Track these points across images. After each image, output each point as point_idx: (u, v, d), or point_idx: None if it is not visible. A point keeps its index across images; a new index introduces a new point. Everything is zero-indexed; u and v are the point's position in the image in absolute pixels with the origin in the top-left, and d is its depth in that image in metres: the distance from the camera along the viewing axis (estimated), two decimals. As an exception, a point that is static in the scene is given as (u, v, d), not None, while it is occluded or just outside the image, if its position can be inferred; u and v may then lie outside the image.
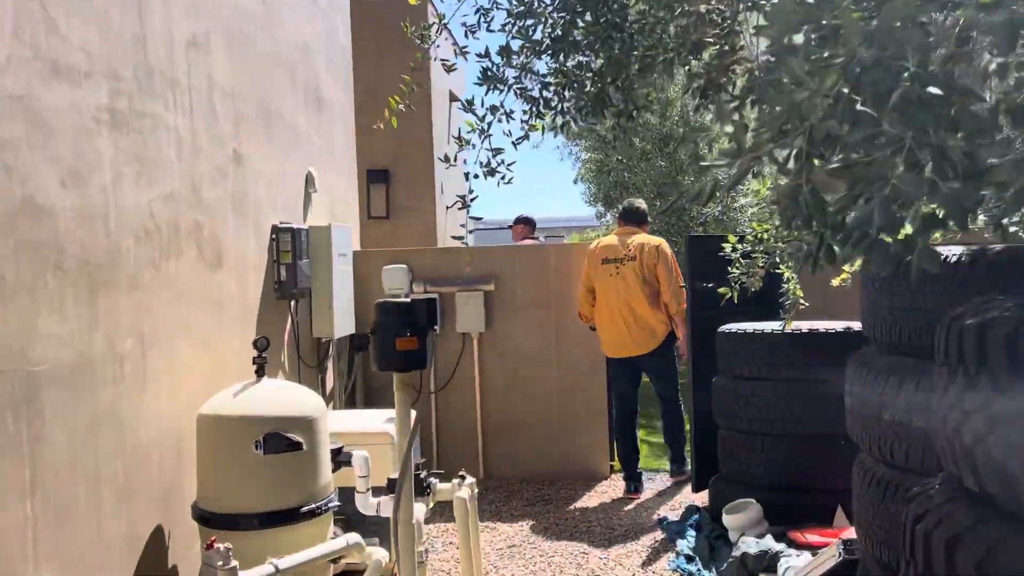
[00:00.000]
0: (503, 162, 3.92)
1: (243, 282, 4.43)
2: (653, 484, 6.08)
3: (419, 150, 9.79)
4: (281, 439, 3.52)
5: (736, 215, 8.94)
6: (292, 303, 5.08)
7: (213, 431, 3.53)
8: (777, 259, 4.15)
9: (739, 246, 4.43)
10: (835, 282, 4.94)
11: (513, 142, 3.93)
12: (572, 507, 5.59)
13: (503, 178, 4.02)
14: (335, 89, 6.11)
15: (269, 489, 3.50)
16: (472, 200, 3.85)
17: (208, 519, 3.49)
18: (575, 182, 12.15)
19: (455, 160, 4.01)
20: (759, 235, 4.07)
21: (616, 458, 6.21)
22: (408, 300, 3.63)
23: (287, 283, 4.85)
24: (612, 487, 6.00)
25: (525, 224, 7.61)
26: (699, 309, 5.54)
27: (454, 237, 3.76)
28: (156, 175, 3.55)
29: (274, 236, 4.84)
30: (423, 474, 4.10)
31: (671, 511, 5.47)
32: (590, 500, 5.73)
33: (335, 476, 3.99)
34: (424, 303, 3.60)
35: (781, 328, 4.66)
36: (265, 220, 4.76)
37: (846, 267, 4.74)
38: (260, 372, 3.70)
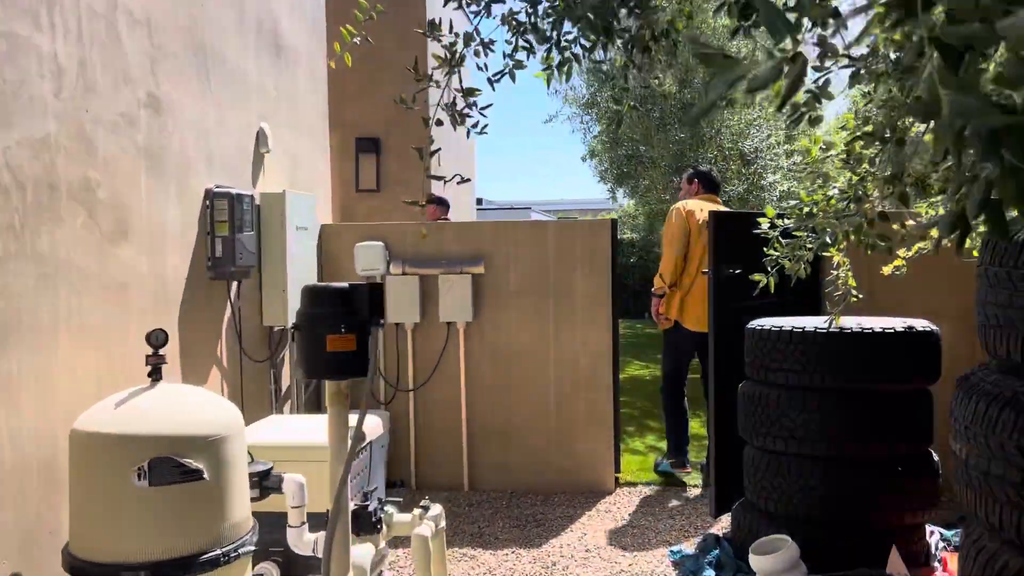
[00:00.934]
0: (475, 104, 3.04)
1: (159, 258, 3.57)
2: (662, 500, 5.21)
3: (413, 117, 8.88)
4: (172, 466, 2.66)
5: (763, 194, 8.01)
6: (234, 285, 4.22)
7: (86, 453, 2.67)
8: (828, 239, 3.24)
9: (780, 223, 3.53)
10: (886, 270, 4.06)
11: (490, 79, 3.05)
12: (569, 529, 4.73)
13: (475, 126, 3.15)
14: (299, 34, 5.21)
15: (158, 531, 2.65)
16: (434, 153, 2.97)
17: (81, 570, 2.65)
18: (583, 159, 11.23)
19: (413, 101, 3.11)
20: (812, 207, 3.16)
21: (619, 468, 5.37)
22: (345, 286, 2.75)
23: (223, 260, 3.99)
24: (616, 504, 5.14)
25: (438, 205, 6.73)
26: (723, 300, 4.65)
27: (407, 202, 2.87)
28: (15, 115, 2.68)
29: (208, 202, 3.98)
30: (373, 505, 3.24)
31: (684, 537, 4.61)
32: (591, 521, 4.87)
33: (271, 501, 3.16)
34: (366, 289, 2.74)
35: (827, 326, 3.76)
36: (196, 182, 3.89)
37: (902, 250, 3.85)
38: (156, 375, 2.84)
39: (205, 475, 2.71)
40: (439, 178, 2.88)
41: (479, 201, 20.04)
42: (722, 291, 4.64)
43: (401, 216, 8.22)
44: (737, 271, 4.65)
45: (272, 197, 4.50)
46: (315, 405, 5.35)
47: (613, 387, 5.37)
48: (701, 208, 5.42)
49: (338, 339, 2.65)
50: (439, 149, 2.87)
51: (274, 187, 4.62)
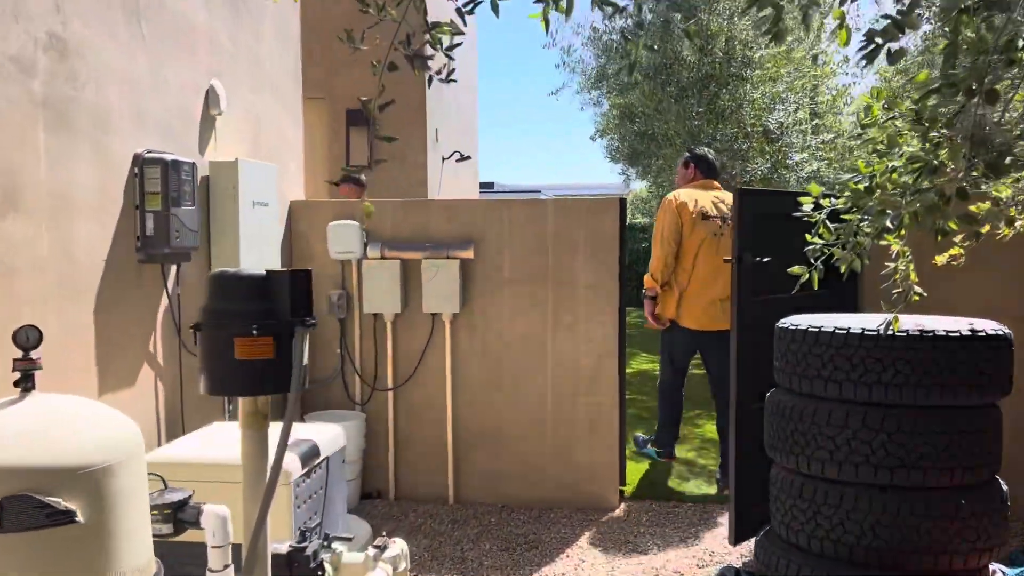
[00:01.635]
0: (439, 44, 2.41)
1: (64, 236, 2.93)
2: (673, 519, 4.57)
3: (408, 87, 8.21)
4: (33, 507, 2.04)
5: (788, 174, 7.31)
6: (172, 269, 3.58)
7: (-75, 487, 2.06)
8: (890, 223, 2.57)
9: (826, 202, 2.86)
10: (940, 259, 3.42)
11: (459, 8, 2.43)
12: (565, 555, 4.10)
13: (439, 73, 2.53)
14: (264, -19, 4.55)
15: (19, 589, 2.03)
16: (385, 106, 2.32)
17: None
18: (592, 138, 10.51)
19: (362, 40, 2.48)
20: (870, 181, 2.48)
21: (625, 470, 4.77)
22: (261, 273, 2.11)
23: (156, 240, 3.36)
24: (621, 523, 4.50)
25: (354, 184, 6.05)
26: (748, 293, 3.98)
27: (346, 168, 2.20)
28: None
29: (136, 170, 3.33)
30: (314, 545, 2.61)
31: (698, 567, 3.98)
32: (591, 544, 4.23)
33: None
34: (287, 278, 2.09)
35: (883, 328, 3.10)
36: (120, 144, 3.25)
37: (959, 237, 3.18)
38: (25, 384, 2.21)
39: (79, 516, 2.08)
40: (389, 138, 2.23)
41: (490, 185, 19.32)
42: (747, 283, 3.97)
43: (395, 196, 7.59)
44: (765, 260, 3.98)
45: (222, 167, 3.86)
46: (278, 408, 4.72)
47: (619, 390, 4.72)
48: (696, 199, 4.91)
49: (249, 343, 2.00)
50: (392, 102, 2.20)
51: (229, 156, 3.97)
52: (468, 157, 9.00)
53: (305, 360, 2.17)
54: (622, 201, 4.73)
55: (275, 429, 2.18)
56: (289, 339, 2.06)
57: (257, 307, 2.05)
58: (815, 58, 7.64)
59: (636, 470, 5.37)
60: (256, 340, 2.03)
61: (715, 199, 4.94)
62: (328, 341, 4.87)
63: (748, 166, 7.26)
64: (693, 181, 5.06)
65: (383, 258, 4.70)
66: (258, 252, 4.06)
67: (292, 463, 3.03)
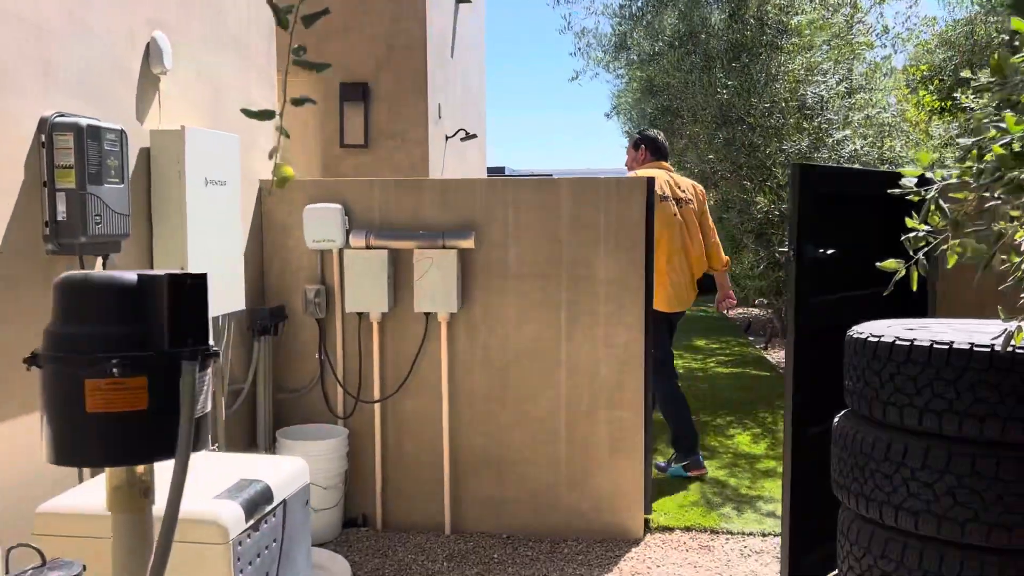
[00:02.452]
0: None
1: (-71, 221, 2.24)
2: (710, 553, 3.88)
3: (409, 57, 7.48)
4: None
5: (826, 153, 6.55)
6: (97, 262, 2.89)
7: None
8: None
9: (938, 175, 2.13)
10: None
11: None
12: (581, 604, 3.42)
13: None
14: (225, -83, 3.82)
15: None
16: (315, 17, 1.57)
17: None
18: (608, 115, 9.74)
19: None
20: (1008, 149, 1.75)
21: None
22: (130, 279, 1.40)
23: (69, 226, 2.66)
24: (647, 560, 3.81)
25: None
26: (808, 294, 3.26)
27: (275, 158, 1.47)
28: None
29: (44, 138, 2.63)
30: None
31: (744, 623, 3.28)
32: (611, 592, 3.55)
33: None
34: (167, 285, 1.39)
35: (1003, 342, 2.38)
36: (18, 104, 2.55)
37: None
38: None
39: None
40: (310, 65, 1.52)
41: (500, 171, 18.56)
42: (807, 280, 3.25)
43: (393, 177, 6.89)
44: (828, 252, 3.26)
45: (165, 137, 3.16)
46: (247, 423, 4.04)
47: (645, 404, 4.02)
48: (667, 179, 4.82)
49: (108, 388, 1.31)
50: (325, 11, 1.47)
51: (172, 123, 3.27)
52: (474, 136, 8.27)
53: (207, 407, 1.48)
54: (650, 181, 4.00)
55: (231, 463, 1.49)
56: (171, 378, 1.37)
57: (120, 331, 1.35)
58: (850, 26, 6.87)
59: (663, 495, 4.66)
60: (119, 383, 1.33)
61: (670, 181, 4.84)
62: (305, 344, 4.18)
63: (783, 144, 6.50)
64: (644, 163, 4.96)
65: (368, 247, 3.99)
66: (213, 241, 3.36)
67: (232, 514, 2.34)
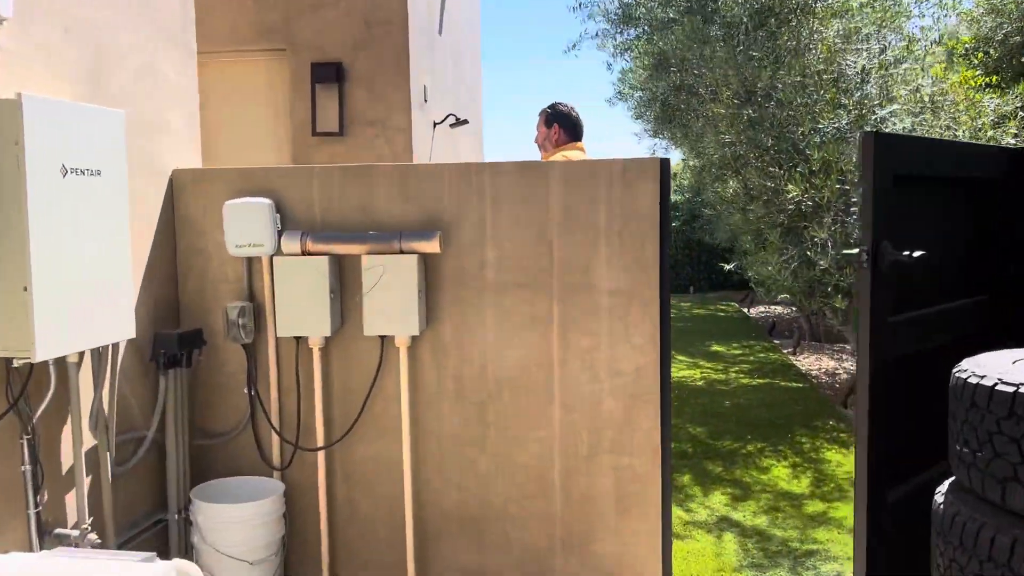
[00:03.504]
0: None
1: None
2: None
3: (388, 34, 6.61)
4: None
5: (859, 134, 5.61)
6: None
7: None
8: None
9: None
10: None
11: None
12: None
13: None
14: None
15: None
16: None
17: None
18: (611, 101, 8.78)
19: None
20: None
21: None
22: None
23: None
24: (667, 658, 2.94)
25: None
26: (886, 311, 2.37)
27: None
28: None
29: None
30: None
31: None
32: None
33: None
34: None
35: None
36: None
37: None
38: None
39: None
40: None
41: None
42: (885, 293, 2.36)
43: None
44: (917, 255, 2.36)
45: (-4, 108, 2.30)
46: (152, 481, 3.19)
47: (663, 446, 3.14)
48: (572, 159, 3.86)
49: None
50: None
51: (20, 92, 2.40)
52: (465, 121, 7.40)
53: None
54: (664, 163, 3.12)
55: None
56: None
57: None
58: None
59: (685, 552, 3.79)
60: None
61: None
62: (231, 377, 3.33)
63: (819, 123, 5.58)
64: (558, 144, 4.17)
65: (305, 253, 3.13)
66: (77, 250, 2.51)
67: None
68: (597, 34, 6.75)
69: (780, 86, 5.88)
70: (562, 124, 4.19)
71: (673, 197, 15.57)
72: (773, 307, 12.24)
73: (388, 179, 3.20)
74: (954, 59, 6.94)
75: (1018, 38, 7.43)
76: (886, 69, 5.81)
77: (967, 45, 7.61)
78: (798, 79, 5.90)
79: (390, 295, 3.08)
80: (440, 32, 7.64)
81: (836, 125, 5.68)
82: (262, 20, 6.74)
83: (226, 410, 3.34)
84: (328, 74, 6.64)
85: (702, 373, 7.40)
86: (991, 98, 6.33)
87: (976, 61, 7.69)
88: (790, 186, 5.81)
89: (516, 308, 3.16)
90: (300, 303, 3.12)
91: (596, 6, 6.93)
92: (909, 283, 2.40)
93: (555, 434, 3.18)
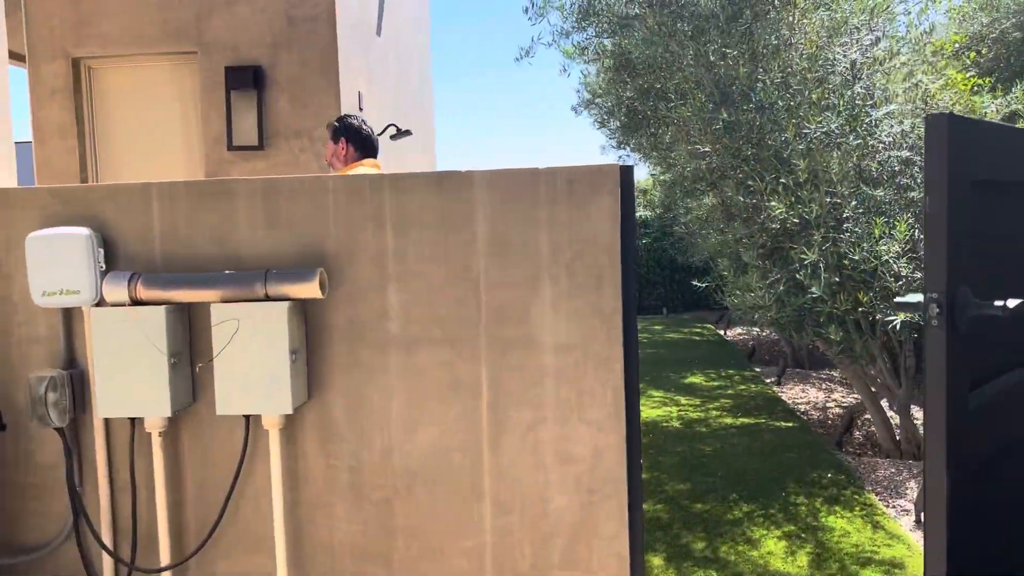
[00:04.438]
0: None
1: None
2: None
3: (313, 32, 5.78)
4: None
5: (867, 139, 4.90)
6: None
7: None
8: None
9: None
10: None
11: None
12: None
13: None
14: None
15: None
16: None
17: None
18: (575, 110, 8.00)
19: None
20: None
21: None
22: None
23: None
24: None
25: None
26: (967, 384, 1.56)
27: None
28: None
29: None
30: None
31: None
32: None
33: None
34: None
35: None
36: None
37: None
38: None
39: None
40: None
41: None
42: (964, 360, 1.55)
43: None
44: (1016, 305, 1.55)
45: None
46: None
47: (631, 558, 2.31)
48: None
49: None
50: None
51: None
52: (408, 132, 6.57)
53: None
54: (626, 172, 2.30)
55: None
56: None
57: None
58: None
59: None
60: None
61: None
62: (48, 471, 2.44)
63: (804, 128, 4.83)
64: (348, 161, 3.67)
65: (137, 302, 2.27)
66: None
67: None
68: (552, 34, 5.97)
69: (760, 85, 5.13)
70: (351, 139, 3.70)
71: (643, 212, 14.81)
72: (751, 328, 11.51)
73: (250, 198, 2.35)
74: (943, 59, 6.22)
75: (1018, 34, 6.79)
76: (880, 64, 5.08)
77: (957, 44, 6.94)
78: (780, 77, 5.15)
79: (250, 359, 2.22)
80: (379, 33, 6.83)
81: (824, 129, 4.93)
82: (168, 18, 5.88)
83: (39, 517, 2.45)
84: (244, 79, 5.79)
85: (679, 411, 6.59)
86: (992, 99, 5.65)
87: (968, 62, 7.02)
88: (773, 201, 5.05)
89: (431, 372, 2.32)
90: (129, 371, 2.26)
91: (551, 3, 6.15)
92: (1001, 341, 1.61)
93: (486, 543, 2.34)
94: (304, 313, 2.32)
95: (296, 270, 2.25)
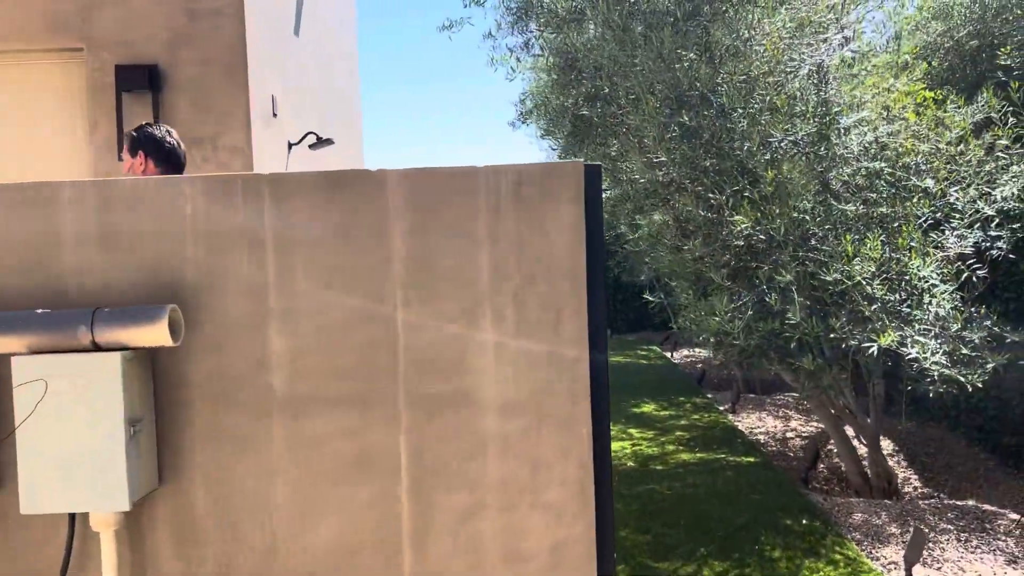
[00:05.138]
0: None
1: None
2: None
3: (218, 28, 5.10)
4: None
5: (835, 143, 4.46)
6: None
7: None
8: None
9: None
10: None
11: None
12: None
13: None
14: None
15: None
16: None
17: None
18: (512, 124, 7.40)
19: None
20: None
21: None
22: None
23: None
24: None
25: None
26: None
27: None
28: None
29: None
30: None
31: None
32: None
33: None
34: None
35: None
36: None
37: None
38: None
39: None
40: None
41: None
42: None
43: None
44: None
45: None
46: None
47: None
48: None
49: None
50: None
51: None
52: (329, 141, 5.93)
53: None
54: (592, 173, 1.73)
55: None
56: None
57: None
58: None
59: None
60: None
61: None
62: None
63: (771, 135, 4.36)
64: (146, 175, 2.94)
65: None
66: None
67: None
68: (490, 32, 5.42)
69: (721, 88, 4.65)
70: (150, 152, 2.96)
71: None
72: (699, 349, 11.10)
73: (80, 208, 1.70)
74: (894, 71, 5.83)
75: (975, 42, 6.51)
76: (849, 67, 4.66)
77: (908, 56, 6.59)
78: (741, 79, 4.68)
79: (70, 433, 1.57)
80: (297, 32, 6.18)
81: (792, 137, 4.47)
82: (51, 10, 5.14)
83: None
84: (138, 79, 5.08)
85: (632, 447, 6.05)
86: (958, 107, 5.27)
87: (918, 74, 6.67)
88: (737, 216, 4.56)
89: (330, 444, 1.70)
90: None
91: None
92: None
93: (408, 677, 1.71)
94: (151, 366, 1.67)
95: (138, 307, 1.60)
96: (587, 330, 1.69)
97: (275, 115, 5.56)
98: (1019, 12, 6.27)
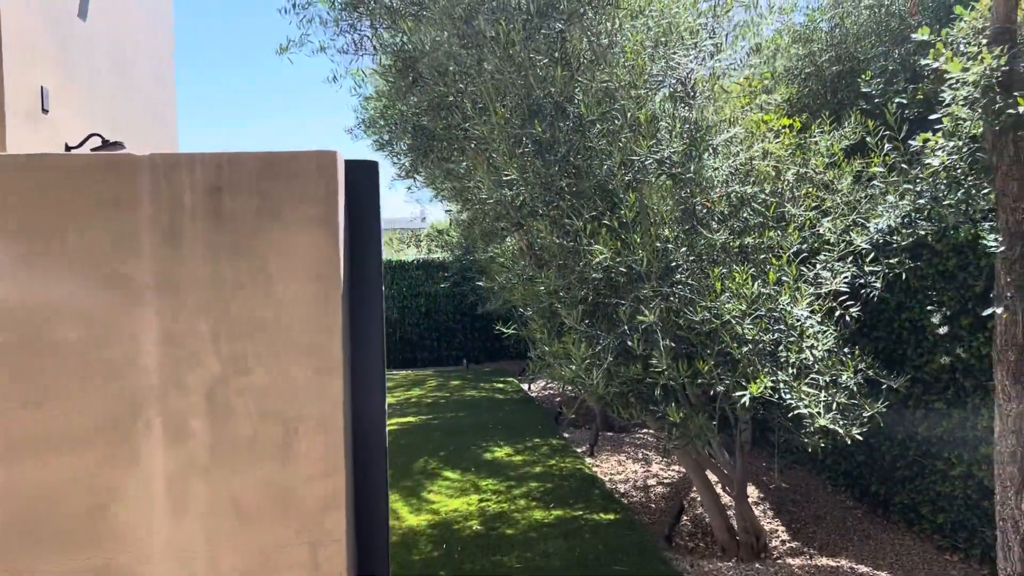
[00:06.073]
0: None
1: None
2: None
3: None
4: None
5: (711, 159, 3.97)
6: None
7: None
8: None
9: None
10: None
11: None
12: None
13: None
14: None
15: None
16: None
17: None
18: (352, 132, 6.61)
19: None
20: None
21: None
22: None
23: None
24: None
25: None
26: None
27: None
28: None
29: None
30: None
31: None
32: None
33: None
34: None
35: None
36: None
37: None
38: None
39: None
40: None
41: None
42: None
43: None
44: None
45: None
46: None
47: None
48: None
49: None
50: None
51: None
52: (119, 144, 4.94)
53: None
54: (372, 170, 1.00)
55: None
56: None
57: None
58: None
59: None
60: None
61: None
62: None
63: (633, 154, 3.81)
64: None
65: None
66: None
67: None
68: (319, 20, 4.63)
69: (578, 97, 4.07)
70: None
71: (440, 255, 13.60)
72: (551, 382, 10.57)
73: None
74: (751, 96, 5.43)
75: (836, 67, 6.30)
76: (718, 79, 4.19)
77: (766, 82, 6.25)
78: (602, 85, 4.12)
79: None
80: (83, 15, 5.14)
81: (657, 156, 3.94)
82: None
83: None
84: None
85: (480, 502, 5.33)
86: (824, 131, 4.93)
87: (778, 97, 6.34)
88: (596, 245, 3.97)
89: None
90: None
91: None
92: None
93: None
94: None
95: None
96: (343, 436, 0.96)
97: (45, 111, 4.52)
98: (879, 38, 6.13)
